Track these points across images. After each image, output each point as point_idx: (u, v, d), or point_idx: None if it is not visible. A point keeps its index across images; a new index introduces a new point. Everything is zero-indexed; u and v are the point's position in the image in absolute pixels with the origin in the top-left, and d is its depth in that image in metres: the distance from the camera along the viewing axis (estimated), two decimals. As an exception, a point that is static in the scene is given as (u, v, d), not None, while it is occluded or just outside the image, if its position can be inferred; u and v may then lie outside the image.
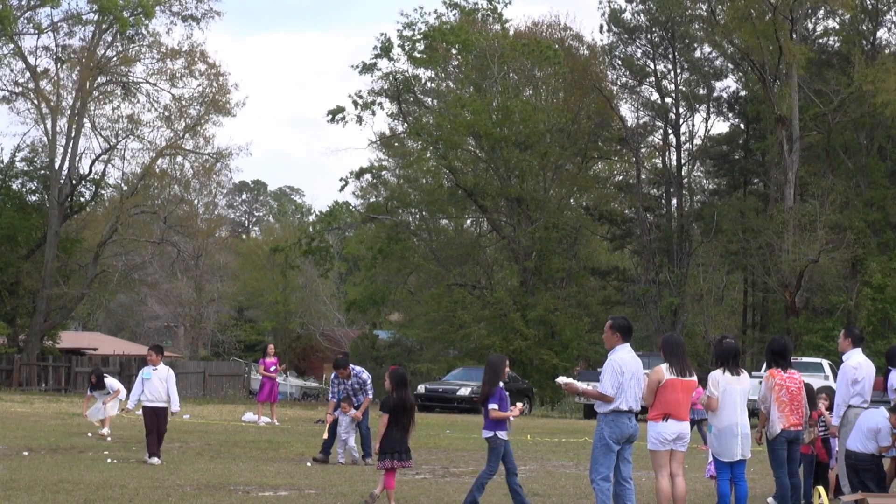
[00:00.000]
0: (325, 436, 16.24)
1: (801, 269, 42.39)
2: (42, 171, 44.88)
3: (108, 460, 15.59)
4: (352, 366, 16.34)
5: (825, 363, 32.47)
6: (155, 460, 15.05)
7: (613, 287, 54.65)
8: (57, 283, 42.79)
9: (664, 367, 10.31)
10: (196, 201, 53.10)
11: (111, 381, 20.15)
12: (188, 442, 19.21)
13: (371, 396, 16.38)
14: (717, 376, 10.68)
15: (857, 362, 11.86)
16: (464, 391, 34.58)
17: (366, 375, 16.36)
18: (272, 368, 25.43)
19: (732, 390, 10.61)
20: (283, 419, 26.51)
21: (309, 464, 15.68)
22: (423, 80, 50.30)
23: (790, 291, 43.49)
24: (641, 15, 53.50)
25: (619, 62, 54.13)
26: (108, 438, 19.05)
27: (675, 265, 50.46)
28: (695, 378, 10.42)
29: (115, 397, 19.96)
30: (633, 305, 52.62)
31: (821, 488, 11.27)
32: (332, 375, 16.57)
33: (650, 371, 10.40)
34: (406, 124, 48.97)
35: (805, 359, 33.37)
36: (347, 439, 16.02)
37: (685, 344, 10.67)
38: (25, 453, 16.26)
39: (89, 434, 19.68)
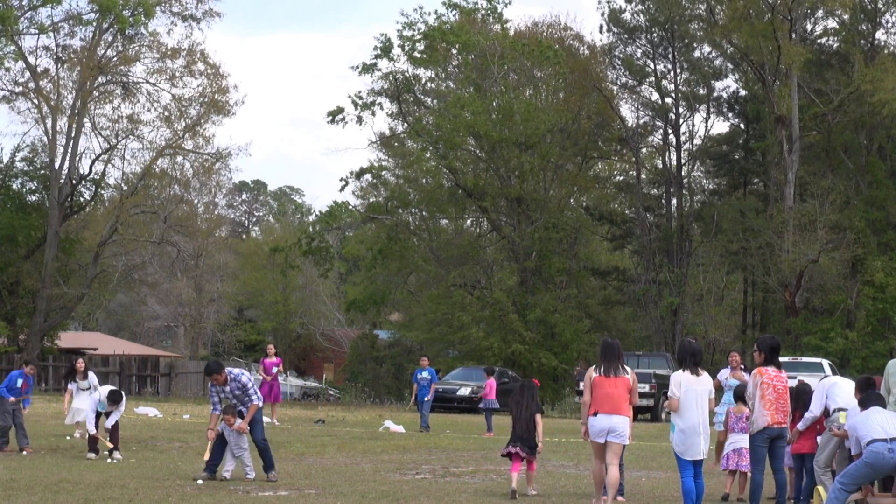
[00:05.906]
0: (206, 456, 13.61)
1: (801, 269, 42.37)
2: (42, 171, 44.79)
3: (108, 460, 15.62)
4: (228, 369, 13.82)
5: (825, 363, 32.46)
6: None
7: (613, 287, 54.58)
8: (57, 283, 42.73)
9: (592, 367, 11.50)
10: (196, 201, 52.95)
11: (93, 376, 19.16)
12: (188, 442, 19.25)
13: (257, 402, 13.72)
14: (679, 377, 10.94)
15: (834, 381, 12.10)
16: (464, 391, 34.54)
17: (245, 379, 13.73)
18: (273, 370, 25.38)
19: (694, 391, 10.85)
20: (283, 419, 26.51)
21: (199, 482, 13.11)
22: (423, 80, 50.27)
23: (790, 291, 43.48)
24: (641, 15, 53.42)
25: (619, 62, 54.06)
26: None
27: (675, 265, 50.40)
28: (624, 376, 11.35)
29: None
30: (633, 305, 52.59)
31: (820, 488, 11.28)
32: (210, 385, 13.96)
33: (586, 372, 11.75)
34: (406, 124, 48.92)
35: (805, 359, 33.37)
36: (242, 455, 13.76)
37: (619, 347, 11.57)
38: (25, 453, 16.27)
39: (77, 435, 19.18)
